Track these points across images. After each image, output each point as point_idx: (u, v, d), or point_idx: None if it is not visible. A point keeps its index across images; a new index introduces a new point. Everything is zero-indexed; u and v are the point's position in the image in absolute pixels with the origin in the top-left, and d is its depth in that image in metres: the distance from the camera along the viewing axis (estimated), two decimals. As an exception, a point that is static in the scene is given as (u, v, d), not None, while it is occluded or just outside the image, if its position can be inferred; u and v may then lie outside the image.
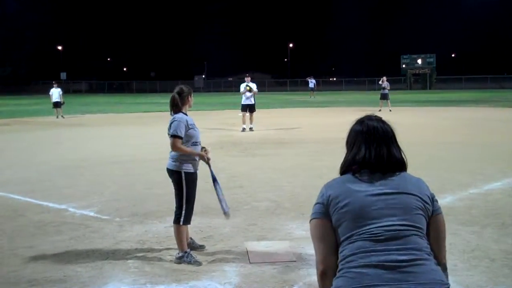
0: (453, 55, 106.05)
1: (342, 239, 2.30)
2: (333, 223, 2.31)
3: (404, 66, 73.37)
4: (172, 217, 6.85)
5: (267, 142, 15.10)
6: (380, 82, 29.38)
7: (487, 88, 62.04)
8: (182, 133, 5.27)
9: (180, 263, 5.22)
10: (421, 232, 2.29)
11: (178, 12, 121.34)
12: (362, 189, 2.32)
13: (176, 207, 5.38)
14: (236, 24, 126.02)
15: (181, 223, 5.31)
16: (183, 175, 5.31)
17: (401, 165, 2.49)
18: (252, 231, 6.26)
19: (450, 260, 5.16)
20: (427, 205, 2.36)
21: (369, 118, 2.54)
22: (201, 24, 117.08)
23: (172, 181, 5.42)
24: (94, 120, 26.17)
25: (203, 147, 5.55)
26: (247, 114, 18.68)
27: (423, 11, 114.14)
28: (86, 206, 7.71)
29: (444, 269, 2.33)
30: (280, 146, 14.29)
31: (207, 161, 5.52)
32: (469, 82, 70.24)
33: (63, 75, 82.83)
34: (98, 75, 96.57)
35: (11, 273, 5.07)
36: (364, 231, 2.25)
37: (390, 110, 27.51)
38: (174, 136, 5.26)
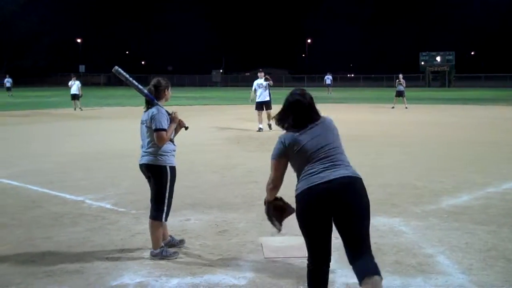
0: (472, 53, 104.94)
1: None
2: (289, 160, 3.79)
3: (422, 63, 72.67)
4: (188, 211, 6.93)
5: (283, 138, 15.05)
6: (396, 85, 29.10)
7: (507, 87, 61.24)
8: (166, 125, 5.13)
9: (157, 259, 5.16)
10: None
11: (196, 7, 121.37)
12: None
13: (156, 204, 5.22)
14: (254, 19, 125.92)
15: (163, 219, 5.23)
16: (168, 169, 5.19)
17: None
18: (267, 226, 6.19)
19: (466, 259, 5.14)
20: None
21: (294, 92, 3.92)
22: (219, 18, 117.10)
23: (152, 177, 5.23)
24: (112, 112, 26.37)
25: (172, 112, 5.29)
26: (263, 112, 17.18)
27: (442, 8, 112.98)
28: (102, 198, 7.78)
29: None
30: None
31: (183, 124, 5.37)
32: (489, 80, 69.37)
33: (82, 68, 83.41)
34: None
35: (28, 263, 5.14)
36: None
37: (406, 108, 27.30)
38: (160, 130, 5.08)
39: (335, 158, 3.65)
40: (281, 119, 3.86)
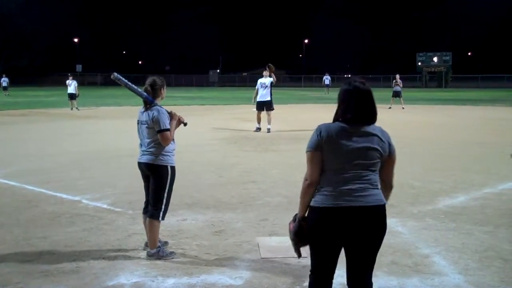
0: (469, 54, 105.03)
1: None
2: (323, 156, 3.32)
3: (419, 64, 72.83)
4: (184, 211, 6.93)
5: (281, 138, 15.07)
6: (393, 86, 29.20)
7: (504, 87, 61.37)
8: (169, 124, 5.18)
9: (154, 259, 5.17)
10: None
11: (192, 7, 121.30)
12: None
13: (154, 202, 5.22)
14: (252, 19, 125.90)
15: (160, 218, 5.24)
16: (169, 169, 5.23)
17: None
18: (264, 226, 6.27)
19: (462, 259, 5.15)
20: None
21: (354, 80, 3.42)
22: (216, 18, 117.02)
23: (152, 176, 5.23)
24: (109, 112, 26.34)
25: (170, 112, 5.34)
26: (263, 112, 16.50)
27: (439, 8, 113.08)
28: (99, 198, 7.77)
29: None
30: (294, 141, 14.25)
31: (182, 120, 5.45)
32: (485, 81, 69.57)
33: (79, 68, 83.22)
34: (113, 68, 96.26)
35: (25, 262, 5.13)
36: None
37: (403, 108, 27.35)
38: (165, 131, 5.11)
39: (366, 180, 3.28)
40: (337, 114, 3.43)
